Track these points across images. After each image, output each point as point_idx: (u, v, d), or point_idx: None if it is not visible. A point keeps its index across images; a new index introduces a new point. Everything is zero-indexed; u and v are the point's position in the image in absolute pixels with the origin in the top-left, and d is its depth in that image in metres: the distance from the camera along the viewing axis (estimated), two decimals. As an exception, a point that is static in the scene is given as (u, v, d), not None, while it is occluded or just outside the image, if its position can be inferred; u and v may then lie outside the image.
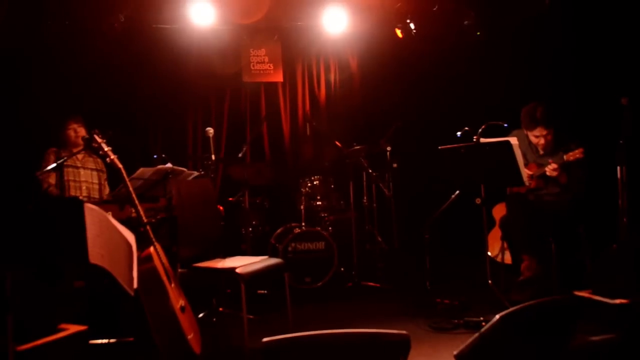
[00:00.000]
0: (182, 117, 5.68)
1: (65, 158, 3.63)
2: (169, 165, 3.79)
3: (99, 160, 4.26)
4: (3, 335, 2.05)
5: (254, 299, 4.36)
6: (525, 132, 4.02)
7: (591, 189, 3.96)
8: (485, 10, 5.32)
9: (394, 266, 5.11)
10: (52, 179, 4.03)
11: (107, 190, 4.32)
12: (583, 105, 4.66)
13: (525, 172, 3.52)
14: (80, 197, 4.06)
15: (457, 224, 5.11)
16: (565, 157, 3.79)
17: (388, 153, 5.09)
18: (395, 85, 5.89)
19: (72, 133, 4.15)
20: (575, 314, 1.80)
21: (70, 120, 4.16)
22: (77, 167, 4.15)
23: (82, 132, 4.16)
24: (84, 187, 4.15)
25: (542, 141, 3.94)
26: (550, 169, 3.83)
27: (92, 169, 4.24)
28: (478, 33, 5.47)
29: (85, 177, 4.18)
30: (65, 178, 3.99)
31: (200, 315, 3.83)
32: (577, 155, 3.74)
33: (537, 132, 3.91)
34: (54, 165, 3.59)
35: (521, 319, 1.64)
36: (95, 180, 4.23)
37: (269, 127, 5.88)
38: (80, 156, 4.16)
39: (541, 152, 4.04)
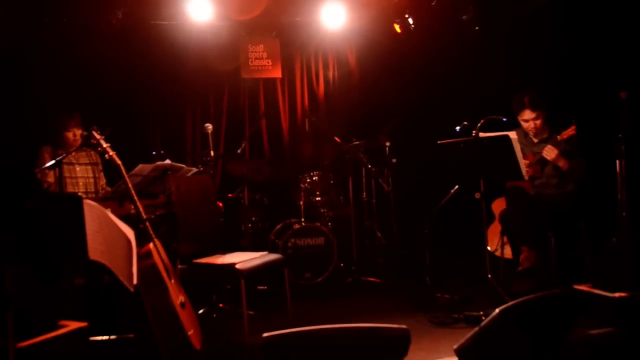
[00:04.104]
0: (181, 113, 5.65)
1: (64, 155, 3.62)
2: (167, 161, 3.79)
3: (92, 152, 4.25)
4: (3, 332, 2.05)
5: (253, 294, 4.36)
6: (518, 117, 4.05)
7: (591, 183, 3.96)
8: (483, 4, 5.30)
9: (393, 261, 5.11)
10: (50, 178, 4.01)
11: (102, 181, 4.31)
12: (582, 98, 4.66)
13: (523, 165, 3.52)
14: (78, 193, 4.06)
15: (457, 219, 5.11)
16: (559, 137, 3.82)
17: (387, 148, 5.08)
18: (394, 81, 5.88)
19: (71, 135, 4.14)
20: (575, 307, 1.80)
21: (72, 122, 4.14)
22: (73, 164, 4.15)
23: (79, 133, 4.15)
24: (80, 183, 4.15)
25: (531, 125, 3.98)
26: (547, 150, 3.84)
27: (86, 164, 4.23)
28: (477, 27, 5.46)
29: (82, 173, 4.17)
30: (62, 175, 3.98)
31: (200, 311, 3.83)
32: (571, 132, 3.77)
33: (525, 115, 3.97)
34: (52, 162, 3.58)
35: (521, 312, 1.64)
36: (91, 175, 4.23)
37: (268, 123, 5.87)
38: (73, 152, 4.14)
39: (535, 140, 4.08)
